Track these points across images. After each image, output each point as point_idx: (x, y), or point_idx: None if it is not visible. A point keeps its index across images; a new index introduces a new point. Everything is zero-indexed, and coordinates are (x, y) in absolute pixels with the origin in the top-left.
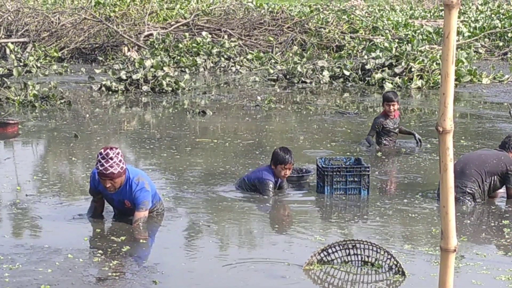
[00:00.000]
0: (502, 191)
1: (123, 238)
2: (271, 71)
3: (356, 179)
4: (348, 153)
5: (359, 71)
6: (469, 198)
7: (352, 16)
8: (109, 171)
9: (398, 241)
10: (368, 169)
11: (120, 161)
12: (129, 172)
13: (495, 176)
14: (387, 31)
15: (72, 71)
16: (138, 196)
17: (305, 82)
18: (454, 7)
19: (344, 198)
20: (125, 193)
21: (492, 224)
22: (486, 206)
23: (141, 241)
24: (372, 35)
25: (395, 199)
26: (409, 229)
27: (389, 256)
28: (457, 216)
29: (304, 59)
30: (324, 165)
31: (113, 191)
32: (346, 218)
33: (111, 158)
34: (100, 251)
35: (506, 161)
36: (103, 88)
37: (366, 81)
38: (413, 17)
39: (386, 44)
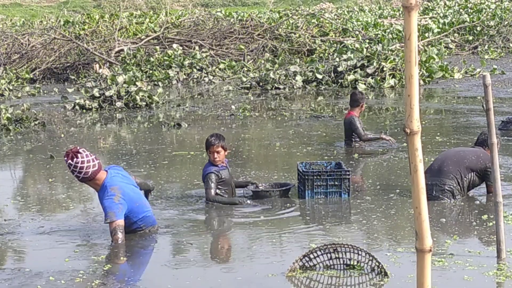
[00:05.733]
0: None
1: (103, 256)
2: (244, 79)
3: (336, 183)
4: (325, 157)
5: (332, 73)
6: (448, 196)
7: (322, 19)
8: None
9: (382, 242)
10: (348, 173)
11: (82, 162)
12: (111, 180)
13: (474, 173)
14: (357, 32)
15: (45, 91)
16: (104, 205)
17: (279, 88)
18: (413, 9)
19: (325, 202)
20: (100, 197)
21: (477, 220)
22: (468, 202)
23: (121, 259)
24: (342, 37)
25: (375, 200)
26: (392, 229)
27: (371, 258)
28: (439, 214)
29: (276, 65)
30: (304, 170)
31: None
32: (329, 222)
33: (75, 166)
34: (81, 272)
35: (484, 158)
36: (77, 107)
37: (339, 84)
38: (382, 16)
39: (357, 45)
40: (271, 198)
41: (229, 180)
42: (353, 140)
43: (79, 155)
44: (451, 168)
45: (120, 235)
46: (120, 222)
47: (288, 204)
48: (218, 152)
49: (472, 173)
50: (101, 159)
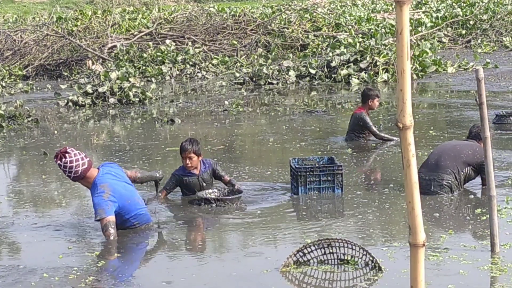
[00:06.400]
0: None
1: (97, 253)
2: (237, 74)
3: (329, 178)
4: (319, 152)
5: (325, 68)
6: (446, 191)
7: (315, 14)
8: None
9: (376, 237)
10: (341, 168)
11: (72, 161)
12: (102, 178)
13: (471, 167)
14: (350, 27)
15: (38, 88)
16: (94, 202)
17: (272, 83)
18: (405, 3)
19: (318, 197)
20: (91, 195)
21: (471, 214)
22: (461, 196)
23: (115, 255)
24: (335, 32)
25: (369, 195)
26: (386, 224)
27: (365, 252)
28: (433, 209)
29: (269, 61)
30: (297, 166)
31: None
32: (323, 218)
33: (64, 165)
34: (75, 268)
35: (480, 152)
36: (70, 104)
37: (332, 78)
38: (375, 11)
39: (350, 40)
40: (265, 196)
41: (195, 186)
42: (356, 135)
43: (67, 155)
44: (448, 163)
45: (112, 231)
46: (111, 218)
47: (281, 200)
48: (190, 158)
49: (468, 167)
50: (94, 156)
